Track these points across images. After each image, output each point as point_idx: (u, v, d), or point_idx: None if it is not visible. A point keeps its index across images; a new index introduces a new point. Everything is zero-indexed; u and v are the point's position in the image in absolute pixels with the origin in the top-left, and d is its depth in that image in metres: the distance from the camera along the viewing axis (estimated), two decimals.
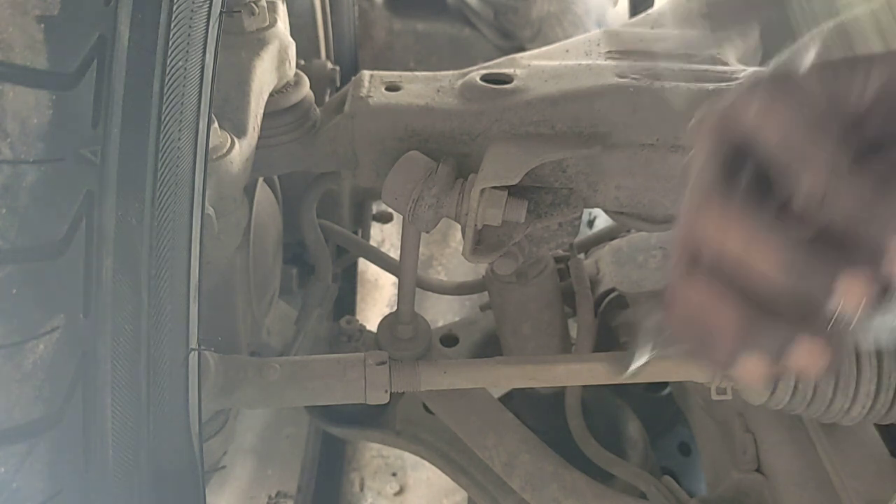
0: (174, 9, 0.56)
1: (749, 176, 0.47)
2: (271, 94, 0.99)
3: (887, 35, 0.63)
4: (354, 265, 1.78)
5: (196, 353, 0.63)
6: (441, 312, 2.00)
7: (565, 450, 1.15)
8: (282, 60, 1.00)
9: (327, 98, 1.38)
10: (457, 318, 1.66)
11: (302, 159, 1.04)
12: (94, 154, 0.54)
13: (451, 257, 2.26)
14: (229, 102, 0.90)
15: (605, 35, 1.12)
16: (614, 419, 1.33)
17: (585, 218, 1.49)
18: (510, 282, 1.11)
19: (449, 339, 1.28)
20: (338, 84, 1.46)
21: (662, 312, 0.52)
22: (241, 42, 0.94)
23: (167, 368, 0.60)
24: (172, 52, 0.56)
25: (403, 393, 0.93)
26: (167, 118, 0.57)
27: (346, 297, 1.73)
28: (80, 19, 0.52)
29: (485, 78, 1.00)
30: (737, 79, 0.97)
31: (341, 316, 1.31)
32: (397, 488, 1.77)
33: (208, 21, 0.60)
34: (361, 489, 1.77)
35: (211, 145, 0.66)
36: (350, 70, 1.58)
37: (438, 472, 1.27)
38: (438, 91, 1.00)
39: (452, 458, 1.23)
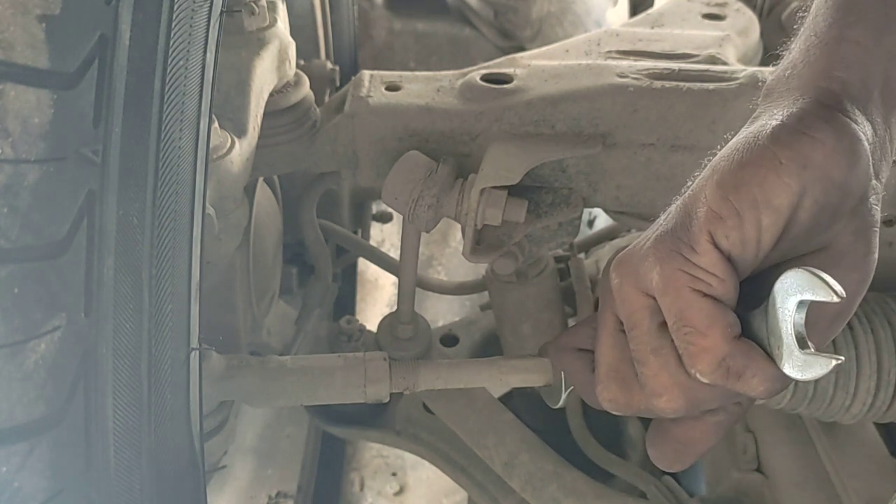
0: (175, 8, 0.56)
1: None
2: (271, 94, 0.99)
3: None
4: (354, 265, 1.78)
5: (197, 352, 0.63)
6: (441, 312, 1.99)
7: (565, 450, 1.15)
8: (282, 60, 1.00)
9: (327, 98, 1.38)
10: (457, 318, 1.66)
11: (302, 159, 1.04)
12: (95, 153, 0.54)
13: (451, 257, 2.26)
14: (229, 102, 0.90)
15: (605, 35, 1.12)
16: (614, 419, 1.33)
17: (585, 218, 1.49)
18: (510, 282, 1.11)
19: (449, 339, 1.28)
20: (338, 84, 1.46)
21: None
22: (242, 42, 0.94)
23: (168, 368, 0.60)
24: (173, 52, 0.56)
25: (403, 393, 0.93)
26: (168, 118, 0.57)
27: (346, 297, 1.73)
28: (81, 19, 0.52)
29: (485, 78, 1.00)
30: (737, 79, 0.97)
31: (341, 316, 1.31)
32: (397, 488, 1.77)
33: (209, 21, 0.60)
34: (361, 489, 1.77)
35: (211, 145, 0.66)
36: (350, 70, 1.58)
37: (438, 472, 1.27)
38: (438, 91, 1.00)
39: (452, 458, 1.23)
